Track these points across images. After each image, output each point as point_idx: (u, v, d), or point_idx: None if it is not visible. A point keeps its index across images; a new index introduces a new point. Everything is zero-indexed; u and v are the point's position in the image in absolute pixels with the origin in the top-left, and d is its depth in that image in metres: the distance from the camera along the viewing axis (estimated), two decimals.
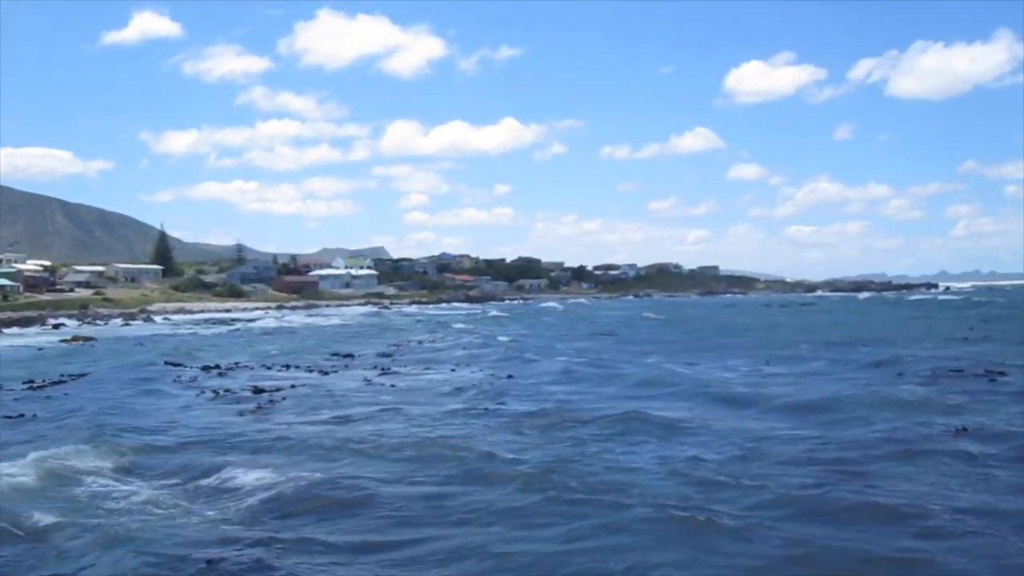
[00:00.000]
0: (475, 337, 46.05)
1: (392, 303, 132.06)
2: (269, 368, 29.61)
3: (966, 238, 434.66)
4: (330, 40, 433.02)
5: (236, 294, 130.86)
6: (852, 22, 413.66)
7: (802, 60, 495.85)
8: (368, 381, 24.52)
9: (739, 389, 21.10)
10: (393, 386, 23.10)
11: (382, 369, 28.34)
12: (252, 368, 29.72)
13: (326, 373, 27.34)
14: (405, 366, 29.59)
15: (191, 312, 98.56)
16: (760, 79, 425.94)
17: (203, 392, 22.26)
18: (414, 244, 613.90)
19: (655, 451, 13.61)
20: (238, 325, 66.63)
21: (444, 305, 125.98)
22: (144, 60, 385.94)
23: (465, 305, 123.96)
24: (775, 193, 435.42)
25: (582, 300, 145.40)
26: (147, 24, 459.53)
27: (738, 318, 71.32)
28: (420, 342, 43.59)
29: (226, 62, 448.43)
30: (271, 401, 20.20)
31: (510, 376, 25.49)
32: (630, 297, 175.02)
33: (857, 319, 66.27)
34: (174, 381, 25.33)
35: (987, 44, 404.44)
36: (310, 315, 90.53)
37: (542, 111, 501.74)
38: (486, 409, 18.50)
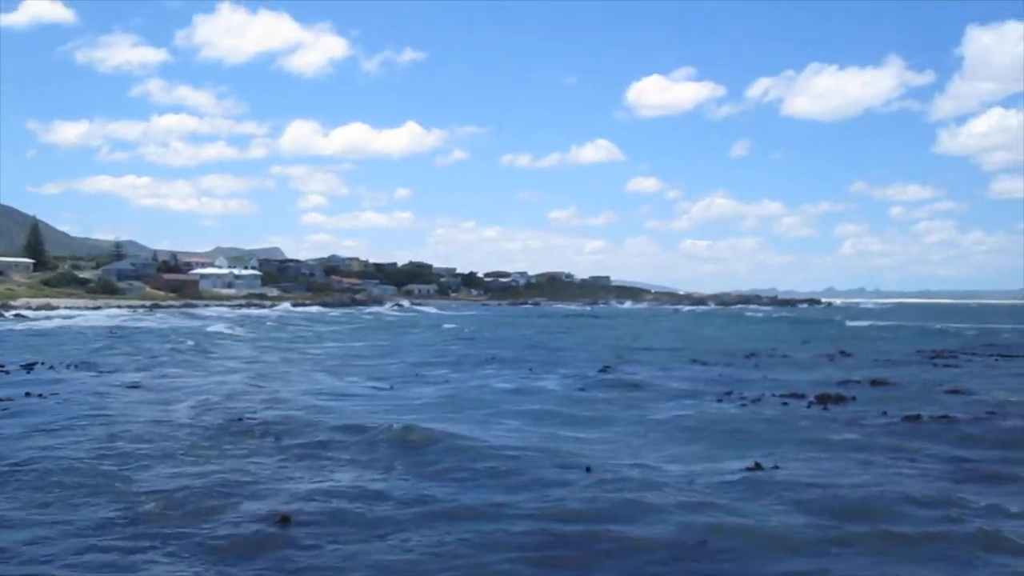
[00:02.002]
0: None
1: (273, 305, 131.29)
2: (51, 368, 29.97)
3: (853, 256, 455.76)
4: (230, 35, 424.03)
5: (110, 291, 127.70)
6: (751, 40, 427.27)
7: (702, 76, 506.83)
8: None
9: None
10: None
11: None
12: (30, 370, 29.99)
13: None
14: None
15: (56, 308, 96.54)
16: (661, 93, 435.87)
17: None
18: (310, 245, 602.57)
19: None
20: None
21: (305, 308, 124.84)
22: (34, 46, 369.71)
23: (315, 308, 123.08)
24: (672, 207, 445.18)
25: (429, 309, 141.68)
26: (38, 9, 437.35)
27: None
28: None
29: (121, 52, 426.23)
30: None
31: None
32: (525, 305, 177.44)
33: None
34: None
35: (878, 69, 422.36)
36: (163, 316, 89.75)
37: (444, 116, 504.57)
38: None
